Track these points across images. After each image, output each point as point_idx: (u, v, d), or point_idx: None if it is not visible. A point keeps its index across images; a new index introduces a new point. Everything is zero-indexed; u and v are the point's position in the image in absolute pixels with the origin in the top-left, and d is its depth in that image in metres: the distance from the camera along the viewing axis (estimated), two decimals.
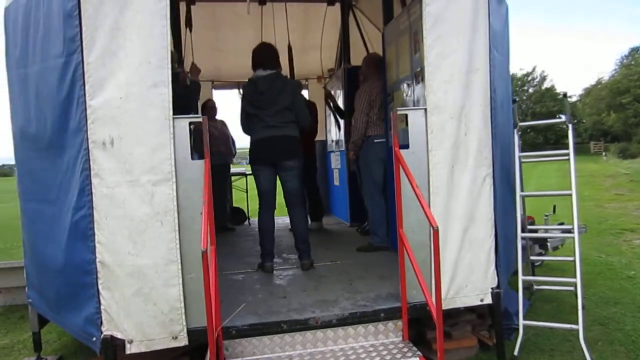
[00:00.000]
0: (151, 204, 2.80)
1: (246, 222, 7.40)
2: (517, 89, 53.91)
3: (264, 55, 4.23)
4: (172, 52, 5.46)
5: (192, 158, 2.93)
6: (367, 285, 3.65)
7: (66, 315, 3.18)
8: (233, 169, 7.55)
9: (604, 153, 39.00)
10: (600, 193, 13.88)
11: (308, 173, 6.42)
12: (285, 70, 5.69)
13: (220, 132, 6.54)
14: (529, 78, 57.90)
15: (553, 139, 47.49)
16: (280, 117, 4.10)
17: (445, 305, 3.16)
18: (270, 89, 4.10)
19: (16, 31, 3.32)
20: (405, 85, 4.37)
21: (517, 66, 55.61)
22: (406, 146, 3.19)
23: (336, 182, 7.27)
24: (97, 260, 2.83)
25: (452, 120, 3.15)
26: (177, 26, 6.17)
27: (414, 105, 4.08)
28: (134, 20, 2.78)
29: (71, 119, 2.84)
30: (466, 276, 3.23)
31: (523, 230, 4.37)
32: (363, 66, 5.19)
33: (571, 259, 3.43)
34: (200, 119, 2.94)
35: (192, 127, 2.95)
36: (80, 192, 2.83)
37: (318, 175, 7.85)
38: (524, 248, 4.26)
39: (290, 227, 4.79)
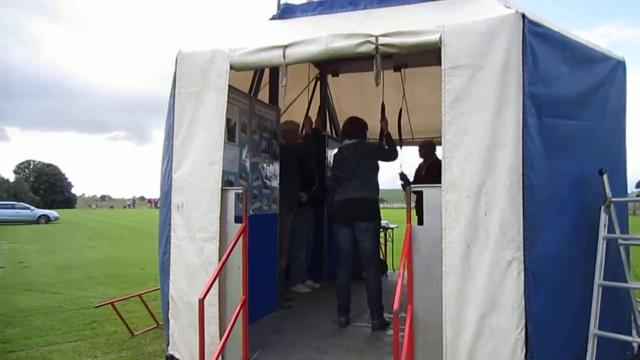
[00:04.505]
0: (201, 256, 3.58)
1: (384, 275, 7.61)
2: None
3: (350, 127, 4.76)
4: (309, 118, 6.43)
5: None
6: None
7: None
8: None
9: None
10: None
11: None
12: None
13: None
14: None
15: None
16: (360, 180, 4.48)
17: None
18: (353, 155, 4.55)
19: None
20: None
21: None
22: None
23: None
24: (169, 294, 3.74)
25: (469, 199, 3.02)
26: (326, 96, 7.13)
27: None
28: (203, 114, 3.68)
29: (165, 186, 3.88)
30: None
31: (634, 322, 3.64)
32: None
33: None
34: (242, 190, 3.61)
35: None
36: (166, 240, 3.82)
37: None
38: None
39: None
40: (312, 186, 6.03)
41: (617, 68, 3.76)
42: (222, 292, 3.57)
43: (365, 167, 4.50)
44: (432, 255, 3.12)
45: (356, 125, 4.76)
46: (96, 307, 5.93)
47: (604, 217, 3.40)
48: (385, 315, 4.47)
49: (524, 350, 2.93)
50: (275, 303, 5.00)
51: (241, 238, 3.49)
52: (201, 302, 3.07)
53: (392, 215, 11.35)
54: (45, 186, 79.56)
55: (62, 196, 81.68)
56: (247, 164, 4.55)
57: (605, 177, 3.43)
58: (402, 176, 6.30)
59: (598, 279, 3.28)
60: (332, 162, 4.92)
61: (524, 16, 3.00)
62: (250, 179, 4.58)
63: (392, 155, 4.76)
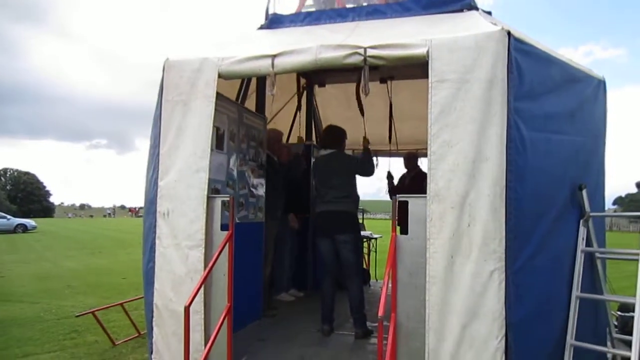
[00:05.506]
0: (186, 264, 3.57)
1: (367, 284, 7.64)
2: None
3: (327, 136, 4.81)
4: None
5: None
6: None
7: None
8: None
9: None
10: None
11: None
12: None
13: None
14: None
15: None
16: (335, 193, 4.51)
17: None
18: (326, 166, 4.60)
19: None
20: None
21: None
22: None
23: None
24: (154, 302, 3.71)
25: (454, 210, 3.07)
26: (313, 106, 7.19)
27: None
28: (190, 122, 3.68)
29: (150, 193, 3.87)
30: None
31: (609, 334, 3.73)
32: None
33: None
34: (229, 198, 3.62)
35: None
36: (151, 248, 3.80)
37: None
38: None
39: None
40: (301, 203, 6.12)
41: (599, 87, 3.89)
42: (207, 299, 3.56)
43: (341, 179, 4.51)
44: (416, 264, 3.16)
45: (333, 135, 4.76)
46: (77, 316, 5.83)
47: (582, 231, 3.50)
48: (368, 324, 4.49)
49: (504, 359, 2.98)
50: (260, 311, 4.98)
51: (227, 246, 3.49)
52: (187, 309, 3.06)
53: (375, 226, 11.41)
54: (22, 195, 77.74)
55: (39, 205, 79.82)
56: (235, 172, 4.56)
57: (584, 192, 3.53)
58: (389, 176, 6.56)
59: (575, 290, 3.37)
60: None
61: (509, 33, 3.09)
62: (237, 187, 4.59)
63: (368, 170, 4.68)
